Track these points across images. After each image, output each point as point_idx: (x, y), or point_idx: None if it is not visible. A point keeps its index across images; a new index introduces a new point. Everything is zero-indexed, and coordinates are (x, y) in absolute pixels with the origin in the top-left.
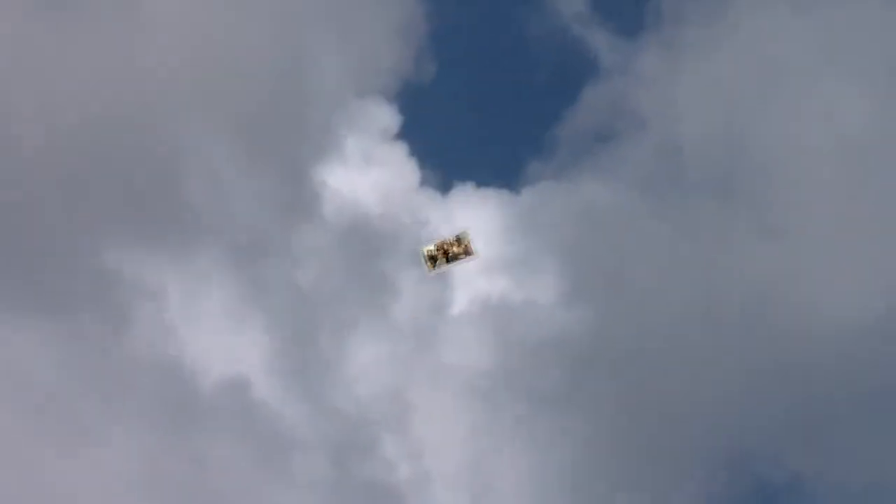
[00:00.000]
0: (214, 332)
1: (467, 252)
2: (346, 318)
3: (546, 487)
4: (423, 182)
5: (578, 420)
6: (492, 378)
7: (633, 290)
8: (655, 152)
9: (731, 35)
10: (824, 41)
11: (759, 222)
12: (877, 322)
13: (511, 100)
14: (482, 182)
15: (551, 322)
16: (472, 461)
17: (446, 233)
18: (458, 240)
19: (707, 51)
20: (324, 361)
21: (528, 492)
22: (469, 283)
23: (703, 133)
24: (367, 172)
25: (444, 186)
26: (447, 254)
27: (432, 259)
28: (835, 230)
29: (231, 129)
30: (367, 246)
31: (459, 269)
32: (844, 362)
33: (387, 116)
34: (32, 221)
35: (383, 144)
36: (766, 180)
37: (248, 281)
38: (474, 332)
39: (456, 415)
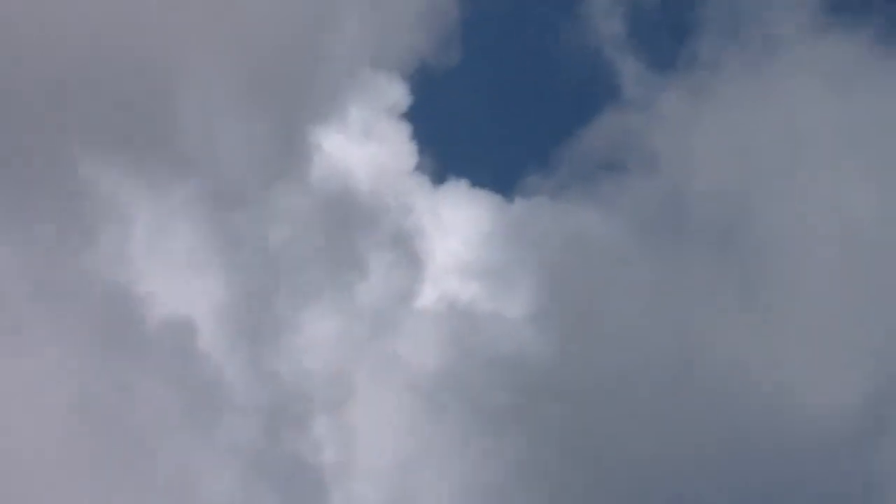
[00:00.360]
0: (173, 271)
1: None
2: (309, 287)
3: (468, 502)
4: (418, 168)
5: (518, 443)
6: (440, 381)
7: (604, 326)
8: (660, 195)
9: (762, 96)
10: (854, 124)
11: (751, 291)
12: (851, 418)
13: (526, 107)
14: (477, 182)
15: (513, 339)
16: (400, 460)
17: (429, 223)
18: None
19: (734, 106)
20: (276, 325)
21: (449, 503)
22: (441, 279)
23: (713, 187)
24: (364, 145)
25: (438, 177)
26: None
27: None
28: (825, 316)
29: (235, 70)
30: (346, 219)
31: (434, 262)
32: (811, 454)
33: (397, 94)
34: (14, 119)
35: (387, 121)
36: (767, 250)
37: (219, 227)
38: (434, 330)
39: (395, 410)
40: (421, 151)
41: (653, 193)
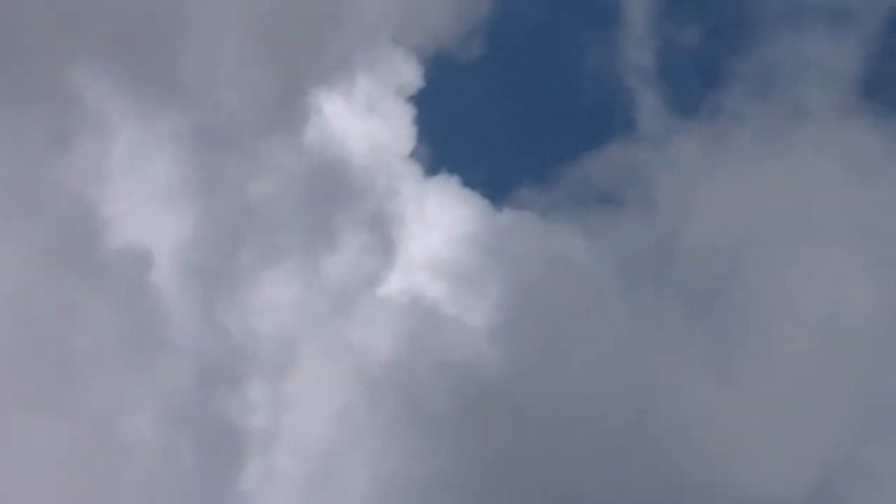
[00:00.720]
0: (143, 199)
1: None
2: (277, 247)
3: (385, 499)
4: (414, 154)
5: (449, 451)
6: (386, 372)
7: (564, 355)
8: (651, 237)
9: (778, 163)
10: (864, 213)
11: (722, 353)
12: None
13: (537, 118)
14: (469, 182)
15: (469, 347)
16: (326, 443)
17: (411, 212)
18: None
19: (747, 166)
20: (234, 278)
21: (365, 495)
22: (410, 271)
23: (707, 242)
24: (365, 119)
25: (432, 168)
26: None
27: None
28: (789, 395)
29: (251, 13)
30: (329, 188)
31: (407, 253)
32: None
33: (410, 75)
34: (15, 16)
35: (393, 100)
36: (747, 317)
37: (201, 165)
38: (391, 321)
39: (334, 391)
40: (420, 138)
41: (644, 234)
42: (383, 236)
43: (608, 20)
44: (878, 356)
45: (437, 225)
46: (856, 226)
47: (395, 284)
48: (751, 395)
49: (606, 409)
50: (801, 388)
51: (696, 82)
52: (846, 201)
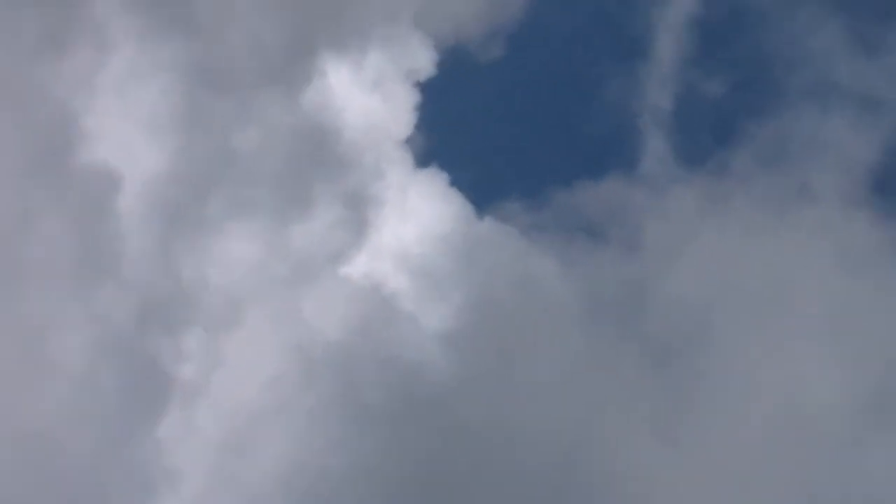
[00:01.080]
0: (127, 123)
1: None
2: (249, 202)
3: (298, 483)
4: (408, 143)
5: (373, 447)
6: (329, 354)
7: (512, 378)
8: (628, 280)
9: (772, 238)
10: (851, 307)
11: (670, 419)
12: None
13: (540, 134)
14: (457, 182)
15: (418, 348)
16: (251, 411)
17: (392, 199)
18: None
19: (741, 231)
20: (200, 222)
21: (278, 470)
22: (377, 258)
23: (683, 296)
24: (368, 94)
25: (423, 160)
26: None
27: None
28: (732, 474)
29: None
30: (315, 154)
31: (378, 238)
32: None
33: (423, 62)
34: None
35: (401, 82)
36: (708, 380)
37: (192, 103)
38: (346, 302)
39: (272, 360)
40: (418, 127)
41: (622, 276)
42: (358, 216)
43: (635, 54)
44: (828, 446)
45: (415, 218)
46: (834, 315)
47: (358, 267)
48: (690, 461)
49: (542, 440)
50: (743, 464)
51: (708, 135)
52: (830, 289)
